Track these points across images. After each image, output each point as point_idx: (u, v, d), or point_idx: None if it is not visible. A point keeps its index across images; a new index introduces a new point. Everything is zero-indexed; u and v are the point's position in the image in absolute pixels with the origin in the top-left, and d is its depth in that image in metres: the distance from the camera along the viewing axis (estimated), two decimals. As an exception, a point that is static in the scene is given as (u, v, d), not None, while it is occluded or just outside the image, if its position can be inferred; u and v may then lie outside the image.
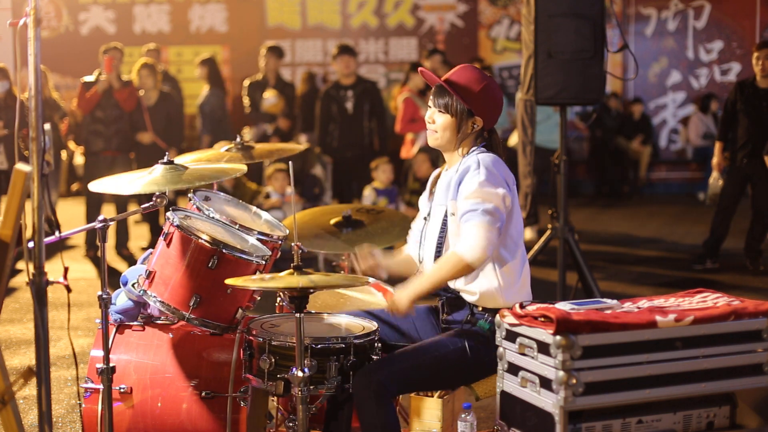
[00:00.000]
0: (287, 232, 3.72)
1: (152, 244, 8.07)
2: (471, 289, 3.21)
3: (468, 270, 3.09)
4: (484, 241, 3.04)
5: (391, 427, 3.06)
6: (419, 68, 3.48)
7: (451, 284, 3.23)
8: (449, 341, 3.19)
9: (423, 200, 3.50)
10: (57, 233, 2.95)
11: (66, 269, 2.82)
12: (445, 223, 3.24)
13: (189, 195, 3.69)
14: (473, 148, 3.27)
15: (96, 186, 3.50)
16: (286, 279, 3.03)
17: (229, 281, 3.13)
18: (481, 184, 3.10)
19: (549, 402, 2.76)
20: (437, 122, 3.28)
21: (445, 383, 3.37)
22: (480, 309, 3.21)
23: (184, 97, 11.51)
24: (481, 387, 3.44)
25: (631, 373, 2.79)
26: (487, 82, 3.27)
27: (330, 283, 3.11)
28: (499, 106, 3.32)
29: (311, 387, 3.06)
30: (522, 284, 3.24)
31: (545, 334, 2.76)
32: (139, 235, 9.71)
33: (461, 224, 3.11)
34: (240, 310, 3.45)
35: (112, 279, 4.97)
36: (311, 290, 3.03)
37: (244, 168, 3.68)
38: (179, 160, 3.75)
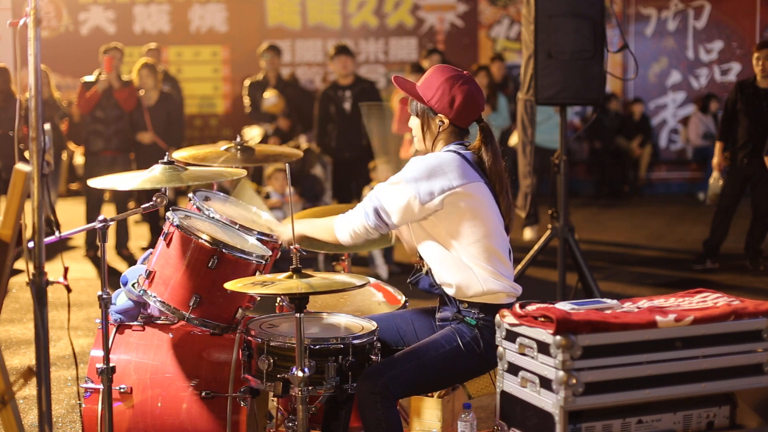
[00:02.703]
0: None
1: (152, 244, 8.07)
2: (448, 282, 3.22)
3: (334, 241, 3.35)
4: (351, 230, 3.25)
5: (395, 428, 3.06)
6: (393, 77, 3.49)
7: (437, 278, 3.25)
8: (444, 340, 3.19)
9: None
10: (57, 233, 2.94)
11: (66, 269, 2.82)
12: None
13: (189, 195, 3.69)
14: (444, 147, 3.28)
15: (96, 183, 3.49)
16: (285, 284, 3.03)
17: (228, 286, 3.13)
18: (391, 178, 3.20)
19: (549, 402, 2.76)
20: (412, 125, 3.38)
21: (447, 382, 3.37)
22: (465, 305, 3.21)
23: (184, 97, 11.52)
24: (473, 385, 3.44)
25: (631, 373, 2.79)
26: (449, 77, 3.24)
27: (329, 287, 3.10)
28: (468, 102, 3.24)
29: (310, 388, 3.06)
30: (498, 273, 3.19)
31: (545, 334, 2.76)
32: (139, 235, 9.71)
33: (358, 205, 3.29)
34: (240, 310, 3.45)
35: (112, 279, 4.97)
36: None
37: (244, 172, 3.69)
38: (176, 154, 3.75)
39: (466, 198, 3.15)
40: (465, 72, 3.31)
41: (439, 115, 3.26)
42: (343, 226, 3.29)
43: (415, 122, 3.34)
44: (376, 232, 3.24)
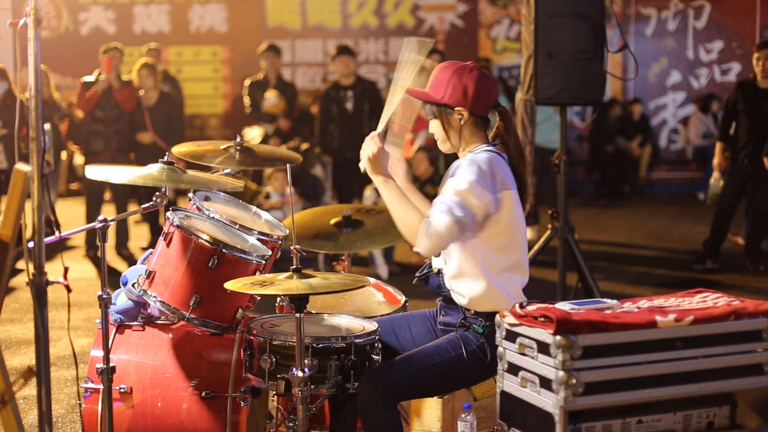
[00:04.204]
0: (287, 232, 3.72)
1: (152, 244, 8.07)
2: (461, 292, 3.20)
3: (410, 240, 3.06)
4: (440, 240, 3.00)
5: (395, 430, 3.05)
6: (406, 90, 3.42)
7: (446, 283, 3.23)
8: (449, 346, 3.18)
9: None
10: (57, 233, 2.94)
11: (66, 269, 2.82)
12: None
13: (189, 195, 3.69)
14: (480, 146, 3.22)
15: (94, 173, 3.49)
16: (285, 284, 3.03)
17: (228, 285, 3.12)
18: (471, 185, 3.04)
19: (549, 402, 2.76)
20: (432, 129, 3.30)
21: (448, 387, 3.36)
22: (472, 312, 3.20)
23: (184, 97, 11.52)
24: (479, 387, 3.44)
25: (631, 373, 2.79)
26: (456, 69, 3.19)
27: (329, 288, 3.10)
28: (481, 89, 3.19)
29: (312, 386, 3.06)
30: (513, 291, 3.19)
31: (545, 334, 2.76)
32: (139, 235, 9.71)
33: (434, 208, 3.04)
34: (240, 310, 3.45)
35: (112, 279, 4.97)
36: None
37: (241, 184, 3.69)
38: (175, 149, 3.73)
39: (509, 203, 3.13)
40: (469, 62, 3.27)
41: (456, 108, 3.20)
42: (428, 235, 3.00)
43: (434, 124, 3.27)
44: (459, 228, 3.02)
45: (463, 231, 3.05)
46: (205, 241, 3.33)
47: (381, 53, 13.90)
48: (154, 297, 3.40)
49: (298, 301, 2.99)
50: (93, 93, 8.57)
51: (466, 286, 3.17)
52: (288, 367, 3.07)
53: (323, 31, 13.90)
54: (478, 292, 3.16)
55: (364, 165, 3.27)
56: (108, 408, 3.35)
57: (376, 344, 3.23)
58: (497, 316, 3.00)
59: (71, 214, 10.42)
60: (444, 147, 3.31)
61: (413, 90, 3.29)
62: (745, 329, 2.92)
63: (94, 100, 8.57)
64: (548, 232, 6.20)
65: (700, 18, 13.67)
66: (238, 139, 3.89)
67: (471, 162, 3.10)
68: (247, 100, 9.80)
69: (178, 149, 3.71)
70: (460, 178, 3.07)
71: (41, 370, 2.56)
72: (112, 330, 3.58)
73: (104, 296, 3.34)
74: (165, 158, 3.54)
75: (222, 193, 3.85)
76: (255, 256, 3.40)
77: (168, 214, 3.45)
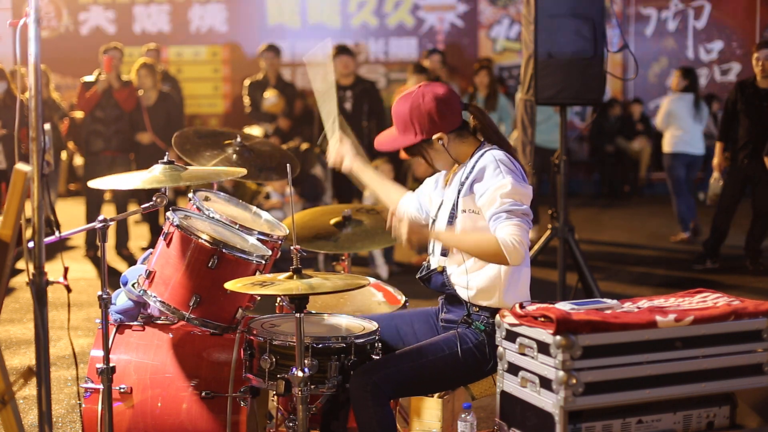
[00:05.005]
0: (287, 231, 3.72)
1: (152, 244, 8.07)
2: (469, 284, 3.18)
3: (498, 261, 3.03)
4: (524, 242, 3.00)
5: (388, 427, 3.05)
6: (375, 143, 3.41)
7: (453, 279, 3.23)
8: (445, 344, 3.18)
9: (434, 186, 3.43)
10: (57, 233, 2.94)
11: (66, 269, 2.82)
12: (452, 218, 3.21)
13: (189, 195, 3.69)
14: (480, 146, 3.22)
15: (96, 183, 3.49)
16: (285, 284, 3.03)
17: (228, 285, 3.12)
18: (514, 185, 3.04)
19: (549, 402, 2.76)
20: (418, 163, 3.32)
21: (442, 386, 3.36)
22: (476, 309, 3.20)
23: (184, 97, 11.52)
24: (477, 386, 3.44)
25: (631, 373, 2.79)
26: (412, 102, 3.19)
27: (329, 288, 3.09)
28: (443, 107, 3.17)
29: (312, 386, 3.07)
30: (521, 285, 3.21)
31: (545, 334, 2.76)
32: (139, 235, 9.72)
33: (498, 222, 3.02)
34: (240, 310, 3.45)
35: (112, 279, 4.97)
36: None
37: (244, 171, 3.68)
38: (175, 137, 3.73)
39: None
40: (417, 87, 3.24)
41: (434, 138, 3.20)
42: (513, 245, 2.97)
43: (416, 159, 3.31)
44: (527, 225, 3.04)
45: (529, 227, 3.06)
46: (205, 241, 3.33)
47: (381, 53, 13.90)
48: (154, 297, 3.40)
49: (298, 301, 2.99)
50: (93, 93, 8.57)
51: (477, 279, 3.16)
52: (288, 367, 3.07)
53: (323, 31, 13.90)
54: (490, 285, 3.15)
55: (406, 242, 3.21)
56: (108, 408, 3.35)
57: (376, 344, 3.23)
58: (497, 316, 3.00)
59: (71, 214, 10.42)
60: (438, 168, 3.33)
61: (386, 144, 3.30)
62: (745, 329, 2.92)
63: (94, 100, 8.57)
64: (548, 232, 6.20)
65: (700, 18, 13.67)
66: (238, 139, 3.89)
67: (493, 162, 3.10)
68: (246, 100, 9.80)
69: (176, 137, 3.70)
70: (499, 180, 3.05)
71: (41, 370, 2.56)
72: (112, 330, 3.58)
73: (104, 296, 3.34)
74: (165, 158, 3.54)
75: (222, 193, 3.85)
76: (255, 256, 3.40)
77: (168, 214, 3.45)
